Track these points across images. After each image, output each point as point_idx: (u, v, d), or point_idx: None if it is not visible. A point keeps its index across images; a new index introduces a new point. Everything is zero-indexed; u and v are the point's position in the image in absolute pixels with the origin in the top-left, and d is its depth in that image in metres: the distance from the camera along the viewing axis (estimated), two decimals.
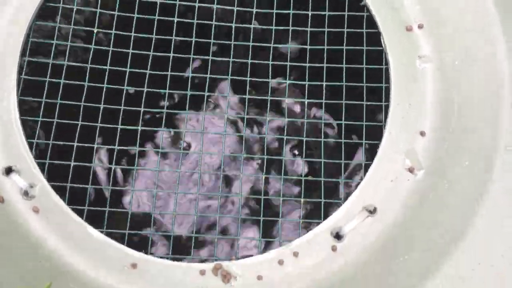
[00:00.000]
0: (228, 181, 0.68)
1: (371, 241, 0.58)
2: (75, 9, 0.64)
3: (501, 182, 0.57)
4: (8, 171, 0.57)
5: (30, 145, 0.58)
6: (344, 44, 0.66)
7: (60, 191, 0.57)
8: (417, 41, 0.65)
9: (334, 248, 0.57)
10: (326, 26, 0.67)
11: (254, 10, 0.67)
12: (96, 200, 0.67)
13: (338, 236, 0.58)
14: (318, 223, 0.59)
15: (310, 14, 0.68)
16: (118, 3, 0.64)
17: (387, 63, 0.65)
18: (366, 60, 0.65)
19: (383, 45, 0.65)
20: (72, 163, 0.59)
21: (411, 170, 0.60)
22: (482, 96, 0.61)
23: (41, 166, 0.58)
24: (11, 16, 0.62)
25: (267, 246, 0.57)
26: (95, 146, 0.60)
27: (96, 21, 0.64)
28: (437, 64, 0.64)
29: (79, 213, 0.56)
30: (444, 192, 0.59)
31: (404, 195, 0.59)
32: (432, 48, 0.65)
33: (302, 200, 0.60)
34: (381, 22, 0.66)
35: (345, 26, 0.67)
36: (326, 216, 0.59)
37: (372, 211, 0.59)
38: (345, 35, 0.67)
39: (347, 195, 0.60)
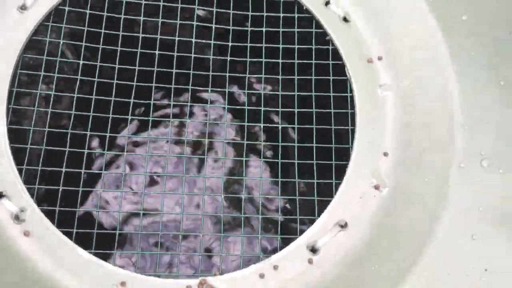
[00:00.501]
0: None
1: (343, 253, 0.63)
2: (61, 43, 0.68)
3: (456, 196, 0.64)
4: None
5: (20, 171, 0.61)
6: (313, 74, 0.73)
7: (49, 214, 0.60)
8: (378, 72, 0.72)
9: (310, 261, 0.62)
10: (296, 58, 0.73)
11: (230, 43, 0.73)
12: (85, 221, 0.70)
13: (313, 250, 0.63)
14: (295, 238, 0.63)
15: (281, 48, 0.74)
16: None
17: (351, 91, 0.72)
18: (333, 88, 0.72)
19: (347, 75, 0.72)
20: (61, 188, 0.62)
21: (377, 188, 0.66)
22: (437, 119, 0.69)
23: (31, 191, 0.60)
24: None
25: (248, 261, 0.62)
26: (83, 171, 0.63)
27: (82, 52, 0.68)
28: (396, 92, 0.71)
29: (69, 235, 0.59)
30: (406, 207, 0.66)
31: (371, 211, 0.65)
32: (391, 77, 0.72)
33: (280, 217, 0.65)
34: (345, 54, 0.73)
35: (313, 57, 0.73)
36: (302, 231, 0.64)
37: (344, 226, 0.64)
38: (313, 66, 0.73)
39: (320, 212, 0.65)
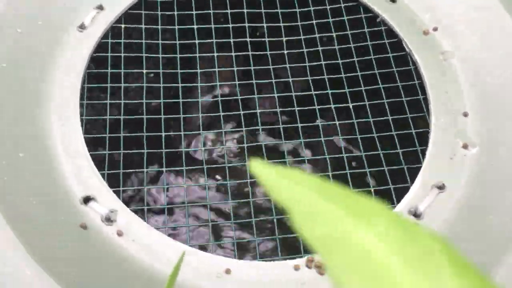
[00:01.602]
0: None
1: (447, 214, 0.60)
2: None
3: None
4: (86, 200, 0.58)
5: (103, 175, 0.60)
6: (372, 54, 0.74)
7: (139, 213, 0.58)
8: (436, 41, 0.73)
9: None
10: (351, 42, 0.75)
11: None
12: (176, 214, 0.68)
13: (416, 215, 0.60)
14: (394, 207, 0.61)
15: (334, 35, 0.76)
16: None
17: (414, 64, 0.72)
18: (394, 64, 0.72)
19: (406, 49, 0.73)
20: (145, 188, 0.60)
21: (465, 147, 0.65)
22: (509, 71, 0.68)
23: (117, 193, 0.59)
24: (66, 67, 0.67)
25: None
26: (164, 169, 0.62)
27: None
28: (460, 56, 0.71)
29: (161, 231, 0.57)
30: (501, 161, 0.64)
31: (466, 169, 0.63)
32: (451, 44, 0.73)
33: (372, 189, 0.63)
34: (399, 31, 0.74)
35: (368, 40, 0.75)
36: (398, 199, 0.62)
37: (442, 187, 0.62)
38: (370, 48, 0.74)
39: (413, 178, 0.63)
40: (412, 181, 0.63)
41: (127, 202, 0.59)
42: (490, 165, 0.63)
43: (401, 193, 0.62)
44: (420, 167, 0.64)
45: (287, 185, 0.16)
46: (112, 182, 0.61)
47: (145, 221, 0.58)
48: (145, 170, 0.61)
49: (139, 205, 0.59)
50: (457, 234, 0.59)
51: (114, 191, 0.59)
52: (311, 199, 0.16)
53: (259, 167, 0.17)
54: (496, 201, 0.61)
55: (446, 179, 0.62)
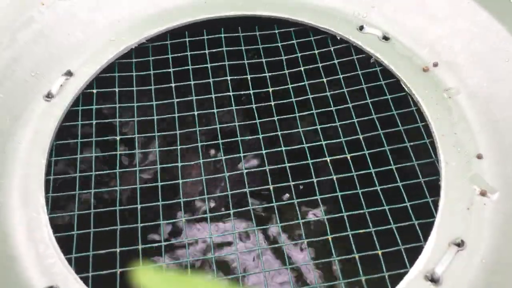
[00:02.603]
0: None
1: (472, 276, 0.52)
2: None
3: None
4: None
5: (69, 260, 0.53)
6: (368, 98, 0.67)
7: None
8: (438, 77, 0.67)
9: None
10: (344, 87, 0.69)
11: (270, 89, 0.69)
12: None
13: (434, 280, 0.52)
14: (406, 272, 0.53)
15: (325, 81, 0.70)
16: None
17: (416, 104, 0.65)
18: (394, 107, 0.66)
19: (406, 89, 0.66)
20: (118, 270, 0.53)
21: (483, 194, 0.57)
22: None
23: (85, 279, 0.52)
24: (31, 141, 0.61)
25: None
26: (140, 247, 0.55)
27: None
28: (466, 92, 0.65)
29: None
30: None
31: (487, 220, 0.55)
32: (455, 79, 0.66)
33: (379, 252, 0.55)
34: (396, 70, 0.68)
35: (363, 82, 0.69)
36: (411, 263, 0.53)
37: (461, 244, 0.54)
38: (366, 91, 0.68)
39: (426, 235, 0.55)
40: (426, 239, 0.55)
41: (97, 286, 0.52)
42: None
43: (414, 254, 0.54)
44: (433, 221, 0.56)
45: None
46: (81, 267, 0.54)
47: None
48: (117, 250, 0.54)
49: None
50: None
51: (82, 278, 0.52)
52: None
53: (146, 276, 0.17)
54: None
55: (465, 234, 0.54)
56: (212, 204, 0.76)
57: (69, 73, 0.67)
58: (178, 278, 0.17)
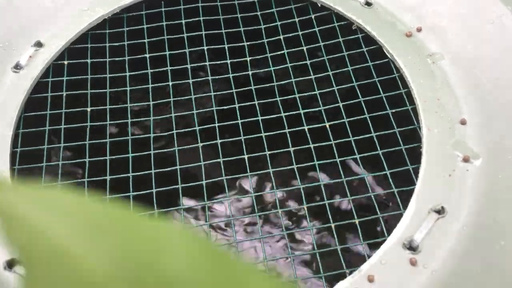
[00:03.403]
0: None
1: (452, 243, 0.50)
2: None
3: None
4: (11, 264, 0.49)
5: None
6: (349, 65, 0.65)
7: None
8: (421, 42, 0.64)
9: (413, 262, 0.49)
10: (325, 55, 0.66)
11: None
12: None
13: (412, 248, 0.50)
14: (384, 240, 0.51)
15: (305, 49, 0.67)
16: None
17: (398, 71, 0.63)
18: (376, 74, 0.64)
19: (388, 55, 0.64)
20: None
21: (466, 160, 0.55)
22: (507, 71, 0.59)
23: None
24: None
25: (332, 282, 0.48)
26: None
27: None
28: (450, 56, 0.62)
29: None
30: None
31: (470, 187, 0.53)
32: (439, 44, 0.64)
33: (356, 221, 0.53)
34: (378, 36, 0.65)
35: (344, 50, 0.66)
36: (389, 231, 0.51)
37: (441, 211, 0.51)
38: (347, 58, 0.66)
39: (405, 203, 0.53)
40: (405, 206, 0.53)
41: None
42: (498, 178, 0.53)
43: (393, 222, 0.52)
44: (413, 189, 0.54)
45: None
46: None
47: None
48: None
49: None
50: (464, 267, 0.48)
51: None
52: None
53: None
54: (508, 221, 0.50)
55: (446, 201, 0.52)
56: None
57: (39, 44, 0.65)
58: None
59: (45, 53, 0.65)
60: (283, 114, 0.62)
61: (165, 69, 0.67)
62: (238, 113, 0.62)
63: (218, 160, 0.58)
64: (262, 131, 0.61)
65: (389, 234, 0.51)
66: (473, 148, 0.56)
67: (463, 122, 0.57)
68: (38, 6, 0.68)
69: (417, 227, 0.51)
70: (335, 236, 0.51)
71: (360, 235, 0.52)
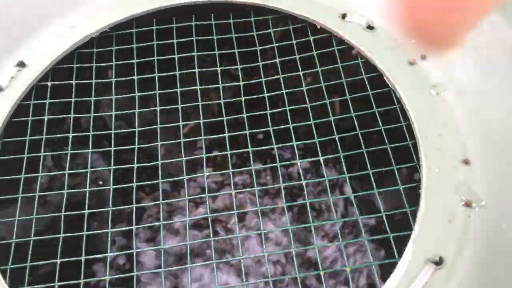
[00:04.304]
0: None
1: None
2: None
3: None
4: None
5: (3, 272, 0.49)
6: (347, 94, 0.62)
7: None
8: (425, 71, 0.61)
9: None
10: (322, 81, 0.63)
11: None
12: None
13: None
14: None
15: (301, 74, 0.64)
16: None
17: (399, 101, 0.59)
18: (375, 104, 0.60)
19: (389, 84, 0.60)
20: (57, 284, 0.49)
21: (468, 204, 0.51)
22: None
23: None
24: None
25: None
26: (83, 258, 0.51)
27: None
28: (455, 88, 0.59)
29: None
30: None
31: (471, 235, 0.49)
32: (443, 74, 0.60)
33: (348, 268, 0.49)
34: (379, 62, 0.62)
35: (342, 76, 0.63)
36: (383, 280, 0.48)
37: (439, 262, 0.48)
38: (345, 85, 0.62)
39: (400, 251, 0.49)
40: (400, 254, 0.49)
41: None
42: (502, 228, 0.49)
43: (386, 271, 0.49)
44: (410, 235, 0.50)
45: None
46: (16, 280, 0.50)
47: None
48: (58, 261, 0.50)
49: None
50: None
51: None
52: None
53: None
54: (510, 279, 0.46)
55: (445, 250, 0.49)
56: None
57: (21, 64, 0.63)
58: None
59: (27, 74, 0.62)
60: (275, 146, 0.59)
61: (153, 92, 0.64)
62: (226, 142, 0.59)
63: None
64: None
65: (382, 285, 0.48)
66: (477, 192, 0.52)
67: (466, 162, 0.54)
68: (22, 22, 0.65)
69: (413, 278, 0.48)
70: (324, 284, 0.48)
71: (350, 285, 0.48)
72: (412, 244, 0.50)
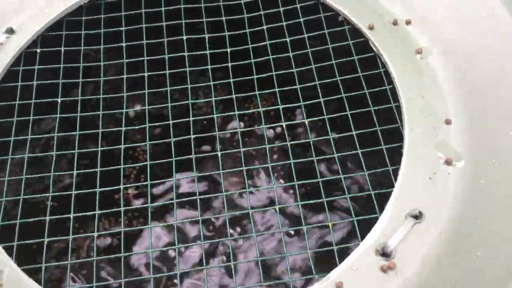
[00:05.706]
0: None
1: (426, 251, 0.48)
2: None
3: None
4: None
5: None
6: (333, 59, 0.63)
7: (32, 273, 0.48)
8: (409, 36, 0.62)
9: (384, 269, 0.47)
10: (308, 47, 0.65)
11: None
12: None
13: (385, 254, 0.48)
14: (357, 245, 0.49)
15: (288, 41, 0.66)
16: None
17: (384, 66, 0.61)
18: (360, 68, 0.62)
19: (374, 49, 0.62)
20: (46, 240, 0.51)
21: (448, 162, 0.53)
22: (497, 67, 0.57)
23: (9, 249, 0.50)
24: None
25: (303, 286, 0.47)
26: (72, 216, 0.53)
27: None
28: (438, 52, 0.60)
29: None
30: (496, 175, 0.51)
31: (451, 191, 0.51)
32: (427, 38, 0.62)
33: (330, 223, 0.51)
34: (365, 28, 0.63)
35: (329, 42, 0.64)
36: (363, 235, 0.50)
37: (418, 216, 0.50)
38: (331, 51, 0.64)
39: (382, 206, 0.51)
40: (381, 210, 0.51)
41: (22, 260, 0.50)
42: (480, 183, 0.51)
43: (368, 226, 0.51)
44: (391, 191, 0.52)
45: None
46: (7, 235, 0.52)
47: (40, 283, 0.48)
48: (47, 218, 0.52)
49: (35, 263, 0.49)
50: (439, 276, 0.47)
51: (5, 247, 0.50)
52: None
53: None
54: (488, 230, 0.48)
55: (424, 205, 0.51)
56: None
57: (10, 31, 0.64)
58: None
59: (16, 40, 0.64)
60: (260, 109, 0.61)
61: (142, 59, 0.65)
62: (213, 106, 0.61)
63: None
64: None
65: (363, 238, 0.50)
66: (457, 149, 0.54)
67: (448, 122, 0.56)
68: None
69: (393, 232, 0.50)
70: (306, 239, 0.50)
71: (333, 239, 0.50)
72: (393, 200, 0.51)
